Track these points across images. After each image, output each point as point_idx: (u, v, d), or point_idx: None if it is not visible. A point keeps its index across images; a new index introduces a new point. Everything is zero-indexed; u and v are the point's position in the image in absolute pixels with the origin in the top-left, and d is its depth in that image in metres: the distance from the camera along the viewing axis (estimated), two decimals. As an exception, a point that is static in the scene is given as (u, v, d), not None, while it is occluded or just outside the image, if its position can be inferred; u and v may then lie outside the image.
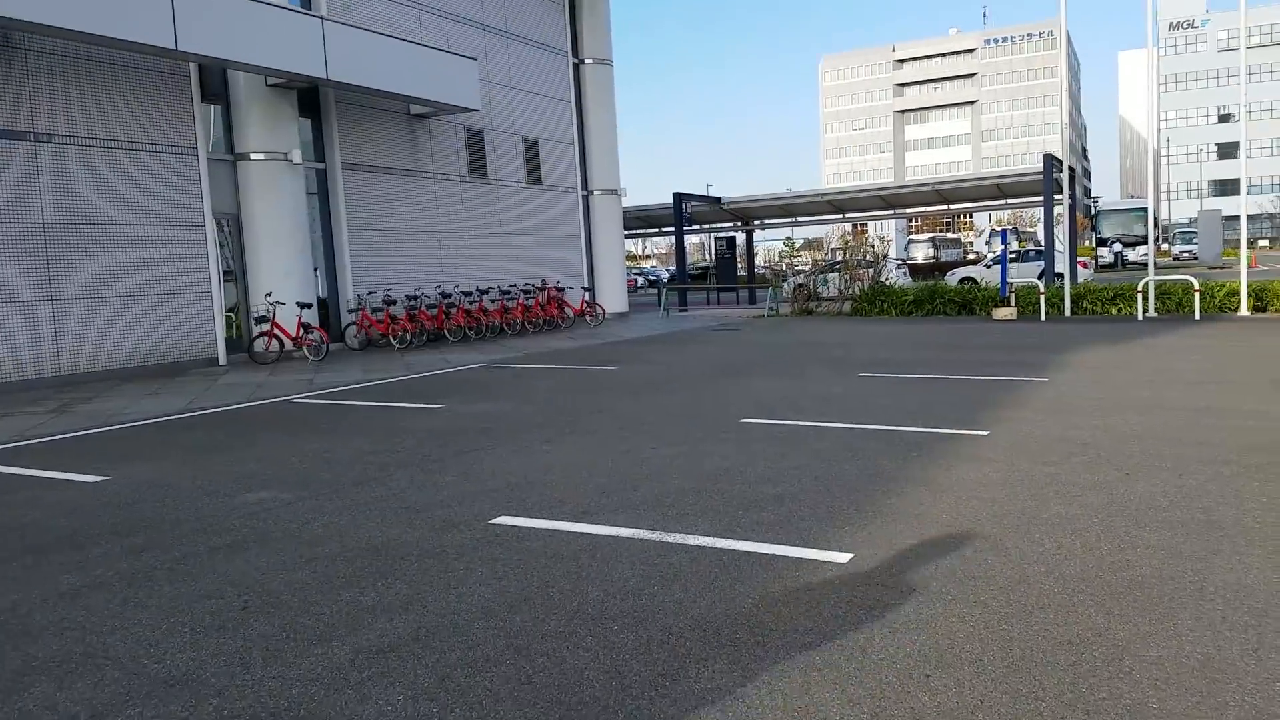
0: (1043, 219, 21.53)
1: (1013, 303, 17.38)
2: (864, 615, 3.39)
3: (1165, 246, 48.94)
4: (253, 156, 14.87)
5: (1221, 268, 34.27)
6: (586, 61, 22.31)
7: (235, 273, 14.99)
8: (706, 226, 30.95)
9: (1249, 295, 15.48)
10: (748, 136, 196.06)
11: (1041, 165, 20.34)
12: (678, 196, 25.92)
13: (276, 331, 14.12)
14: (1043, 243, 22.47)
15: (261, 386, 11.35)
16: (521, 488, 5.53)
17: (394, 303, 15.81)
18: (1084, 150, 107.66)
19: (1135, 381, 8.89)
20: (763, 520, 4.65)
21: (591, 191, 22.69)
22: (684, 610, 3.51)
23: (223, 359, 14.29)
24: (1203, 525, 4.31)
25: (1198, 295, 15.26)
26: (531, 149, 20.48)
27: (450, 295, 16.96)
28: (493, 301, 17.91)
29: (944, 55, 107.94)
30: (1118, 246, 38.04)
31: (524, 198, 20.26)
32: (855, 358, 11.90)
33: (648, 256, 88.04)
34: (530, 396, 9.53)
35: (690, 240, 70.71)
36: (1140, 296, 15.78)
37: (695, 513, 4.84)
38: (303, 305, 14.25)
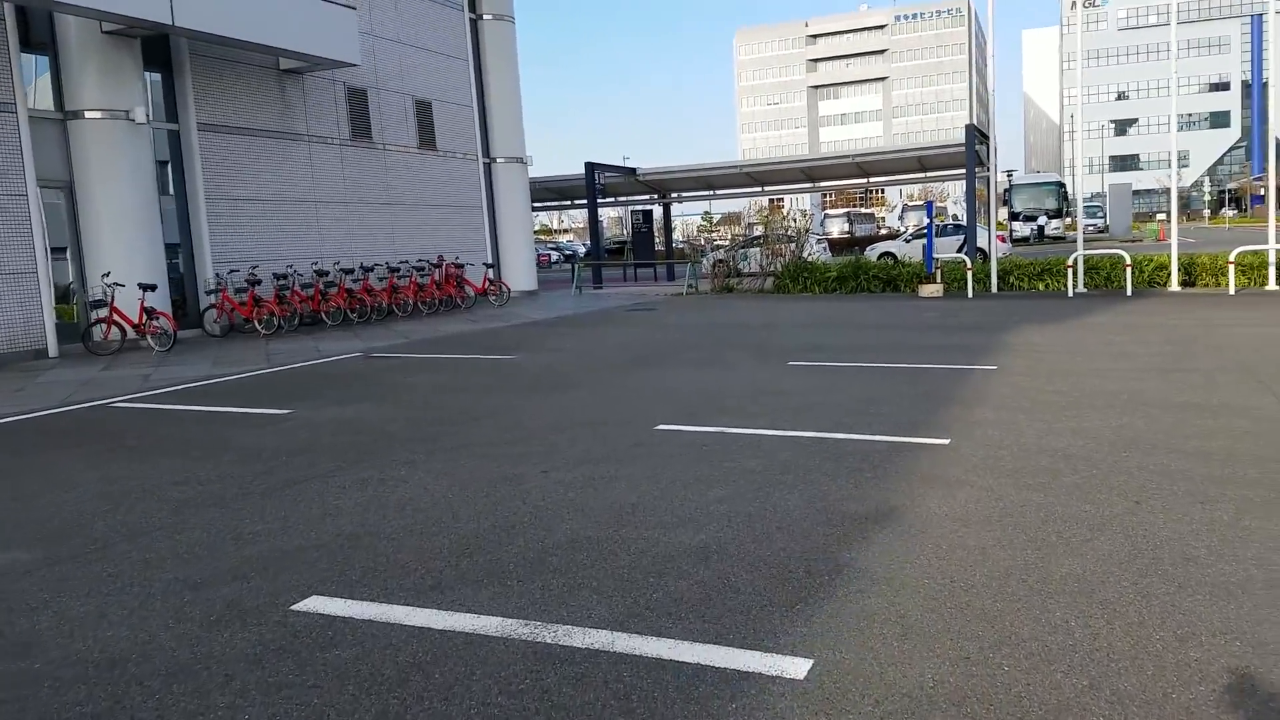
0: (964, 192, 20.88)
1: (939, 279, 16.60)
2: (846, 806, 2.10)
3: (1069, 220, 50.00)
4: (87, 115, 12.69)
5: (1132, 240, 34.83)
6: (485, 17, 20.46)
7: (68, 250, 12.83)
8: (622, 199, 29.51)
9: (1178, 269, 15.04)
10: (665, 109, 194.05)
11: (963, 137, 19.60)
12: (590, 166, 24.38)
13: (116, 318, 12.09)
14: (964, 216, 21.89)
15: (87, 385, 9.45)
16: (355, 542, 4.08)
17: (259, 282, 13.87)
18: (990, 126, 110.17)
19: (1094, 369, 7.96)
20: (682, 595, 3.34)
21: (494, 159, 20.93)
22: (555, 803, 2.16)
23: (53, 350, 12.18)
24: (1269, 590, 3.20)
25: (1129, 270, 14.71)
26: (424, 111, 18.60)
27: (328, 273, 15.10)
28: (380, 280, 16.10)
29: (856, 31, 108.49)
30: (1041, 219, 38.61)
31: (417, 164, 18.40)
32: (783, 342, 10.75)
33: (565, 231, 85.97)
34: (404, 396, 8.00)
35: (609, 214, 69.00)
36: (1070, 272, 15.16)
37: (588, 582, 3.49)
38: (145, 287, 12.22)
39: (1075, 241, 16.40)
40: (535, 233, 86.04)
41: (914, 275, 17.52)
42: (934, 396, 6.99)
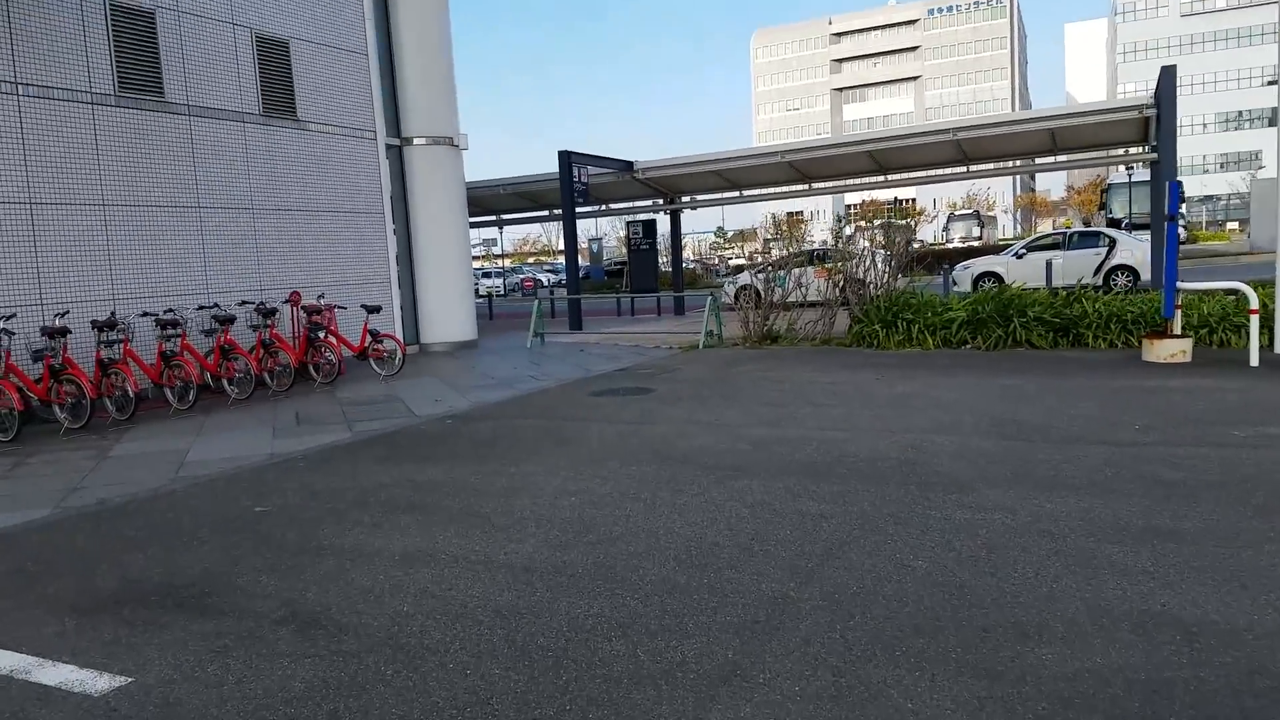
0: (1153, 173, 13.21)
1: (1177, 328, 9.02)
2: None
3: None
4: None
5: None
6: (393, -83, 13.19)
7: None
8: (616, 206, 22.18)
9: None
10: (673, 117, 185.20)
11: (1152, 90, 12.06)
12: (565, 157, 17.08)
13: None
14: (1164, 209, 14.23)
15: None
16: None
17: None
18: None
19: None
20: None
21: (409, 139, 13.59)
22: None
23: None
24: None
25: None
26: (274, 55, 11.31)
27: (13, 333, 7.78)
28: (166, 336, 8.76)
29: (884, 28, 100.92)
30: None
31: (258, 141, 11.08)
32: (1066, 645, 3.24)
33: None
34: None
35: (613, 230, 60.86)
36: None
37: None
38: None
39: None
40: (534, 253, 76.76)
41: (1110, 319, 9.97)
42: None
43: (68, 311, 8.49)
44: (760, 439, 6.32)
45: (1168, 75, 12.66)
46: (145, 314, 9.07)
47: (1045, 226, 79.31)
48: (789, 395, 8.10)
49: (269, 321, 9.83)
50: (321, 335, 10.23)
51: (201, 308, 9.69)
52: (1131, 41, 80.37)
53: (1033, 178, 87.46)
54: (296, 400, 9.19)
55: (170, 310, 9.16)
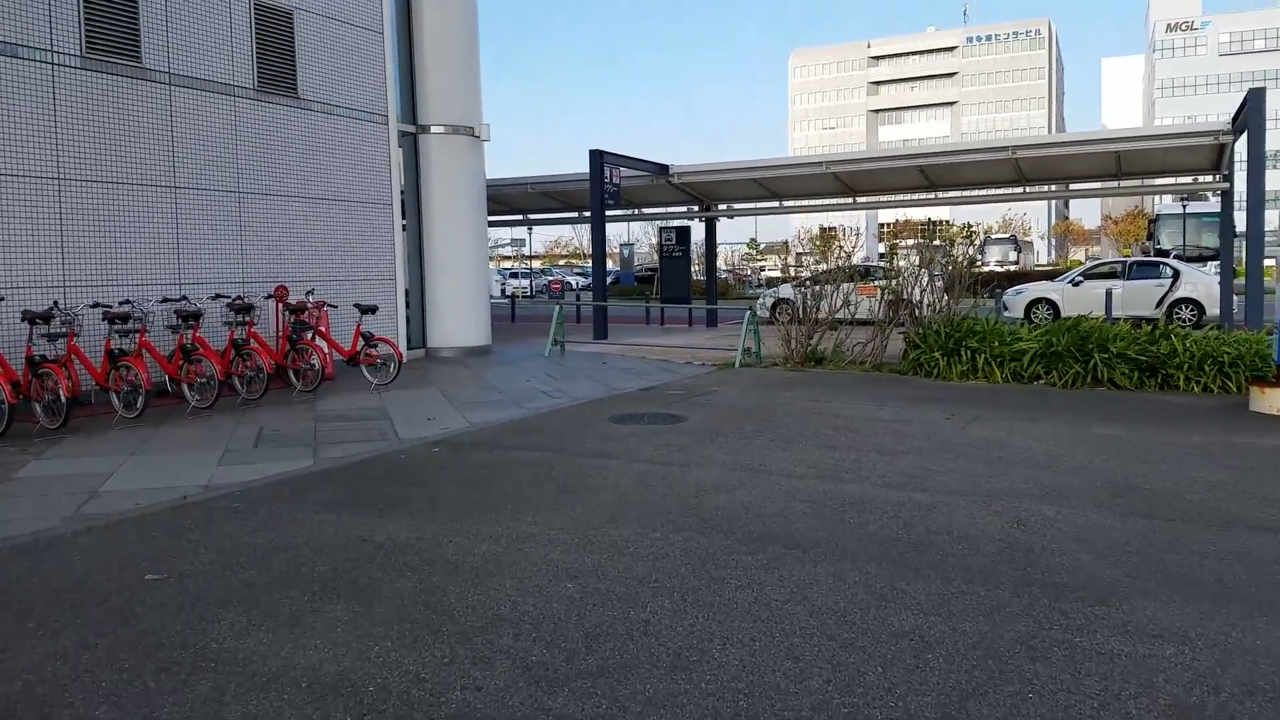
0: (1244, 202, 11.70)
1: (1302, 375, 7.60)
2: None
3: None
4: None
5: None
6: (416, -116, 12.05)
7: None
8: (649, 210, 20.95)
9: None
10: (708, 133, 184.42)
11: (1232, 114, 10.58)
12: (597, 155, 15.86)
13: None
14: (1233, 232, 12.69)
15: None
16: None
17: None
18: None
19: None
20: None
21: (425, 127, 12.39)
22: None
23: None
24: None
25: None
26: (274, 24, 10.14)
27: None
28: (127, 334, 7.56)
29: (922, 53, 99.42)
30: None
31: (250, 119, 9.90)
32: None
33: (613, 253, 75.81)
34: None
35: (645, 236, 59.29)
36: None
37: None
38: None
39: None
40: (565, 255, 75.24)
41: (1203, 361, 8.56)
42: None
43: (2, 298, 7.31)
44: (819, 497, 4.98)
45: (1256, 97, 11.16)
46: (96, 305, 7.88)
47: (1079, 254, 77.26)
48: (846, 434, 6.74)
49: (246, 319, 8.62)
50: (307, 336, 9.00)
51: (166, 300, 8.49)
52: (1169, 78, 78.87)
53: (1066, 205, 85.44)
54: (267, 411, 7.95)
55: (127, 302, 7.96)
